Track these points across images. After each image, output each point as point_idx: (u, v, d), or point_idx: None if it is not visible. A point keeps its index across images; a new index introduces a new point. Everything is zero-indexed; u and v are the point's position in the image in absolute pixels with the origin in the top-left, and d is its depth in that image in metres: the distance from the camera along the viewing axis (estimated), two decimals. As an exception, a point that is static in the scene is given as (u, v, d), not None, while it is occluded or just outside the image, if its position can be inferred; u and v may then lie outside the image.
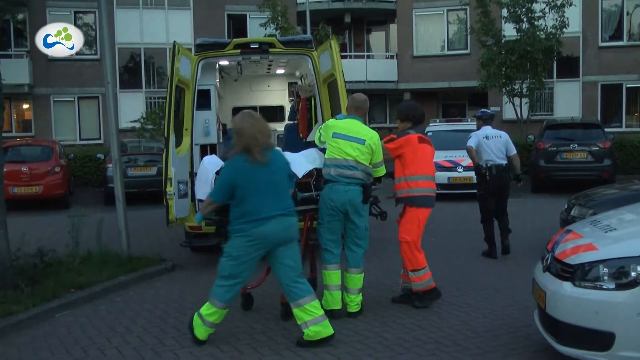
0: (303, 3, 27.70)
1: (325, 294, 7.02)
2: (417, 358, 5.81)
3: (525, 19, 23.31)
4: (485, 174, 10.11)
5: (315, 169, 7.42)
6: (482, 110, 11.28)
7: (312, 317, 6.06)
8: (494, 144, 10.18)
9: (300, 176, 7.12)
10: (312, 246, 7.84)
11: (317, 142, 7.48)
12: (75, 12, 28.51)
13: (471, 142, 10.26)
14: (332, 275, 7.01)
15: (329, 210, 6.92)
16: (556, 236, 5.86)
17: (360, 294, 7.17)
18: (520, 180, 10.75)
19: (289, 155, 7.28)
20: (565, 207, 10.01)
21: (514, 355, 5.82)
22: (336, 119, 7.40)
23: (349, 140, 6.97)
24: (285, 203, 6.12)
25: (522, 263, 9.26)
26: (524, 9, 23.24)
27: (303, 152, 7.96)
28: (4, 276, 8.05)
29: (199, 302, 7.55)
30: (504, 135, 10.43)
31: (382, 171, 7.26)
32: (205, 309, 6.20)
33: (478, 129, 10.62)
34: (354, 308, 7.10)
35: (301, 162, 7.37)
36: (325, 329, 6.09)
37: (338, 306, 7.00)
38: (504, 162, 10.17)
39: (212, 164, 7.49)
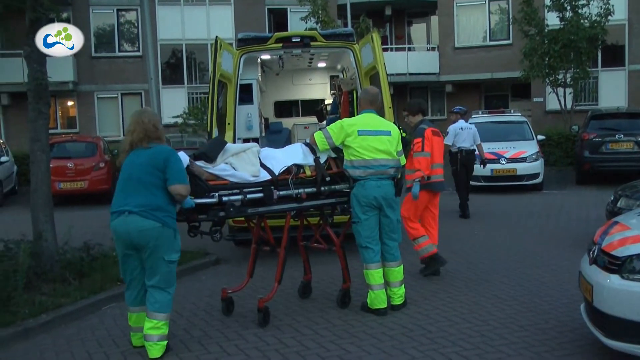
0: (343, -4, 27.66)
1: (370, 294, 6.93)
2: (462, 351, 5.77)
3: (568, 7, 22.92)
4: (458, 155, 13.70)
5: (295, 165, 6.87)
6: (459, 107, 14.88)
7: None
8: (466, 134, 13.72)
9: (276, 173, 6.64)
10: (304, 247, 7.68)
11: (321, 147, 6.97)
12: (118, 10, 28.91)
13: (448, 140, 13.28)
14: (375, 275, 6.90)
15: (364, 207, 6.84)
16: (603, 228, 5.77)
17: (403, 286, 7.12)
18: (486, 163, 14.50)
19: (267, 151, 6.95)
20: (612, 198, 9.84)
21: (561, 350, 5.74)
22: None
23: (377, 135, 6.91)
24: (136, 200, 5.63)
25: (568, 256, 9.14)
26: (567, -3, 22.88)
27: (286, 147, 7.51)
28: (52, 269, 8.22)
29: (243, 295, 7.62)
30: (473, 128, 13.97)
31: (402, 160, 7.24)
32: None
33: (455, 122, 13.94)
34: (397, 301, 7.05)
35: (278, 158, 6.86)
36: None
37: (384, 305, 6.91)
38: (472, 147, 13.85)
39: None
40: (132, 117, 5.89)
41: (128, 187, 5.67)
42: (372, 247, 6.91)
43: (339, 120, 7.30)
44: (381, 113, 7.94)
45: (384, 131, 6.97)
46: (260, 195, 6.44)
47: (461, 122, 13.92)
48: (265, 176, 6.55)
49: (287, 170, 6.76)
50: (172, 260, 5.77)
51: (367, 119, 7.03)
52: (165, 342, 5.90)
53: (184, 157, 6.10)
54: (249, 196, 6.35)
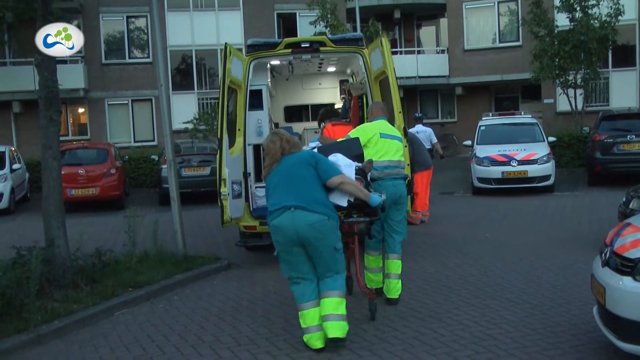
0: (352, 0, 27.64)
1: (368, 275, 7.57)
2: (474, 355, 5.75)
3: (578, 8, 22.76)
4: None
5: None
6: (417, 113, 18.20)
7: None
8: (422, 136, 15.57)
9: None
10: None
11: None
12: (128, 17, 28.94)
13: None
14: (377, 260, 7.54)
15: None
16: (615, 230, 5.74)
17: (400, 281, 7.48)
18: (443, 157, 17.07)
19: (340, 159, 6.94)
20: (624, 200, 9.79)
21: (573, 353, 5.72)
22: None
23: (393, 139, 7.51)
24: (300, 196, 5.90)
25: (580, 258, 9.10)
26: (577, -3, 22.78)
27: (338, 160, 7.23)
28: (65, 275, 8.27)
29: (254, 299, 7.64)
30: (429, 130, 16.51)
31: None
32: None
33: (412, 127, 16.12)
34: (394, 294, 7.41)
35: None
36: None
37: (380, 285, 7.53)
38: (429, 147, 15.72)
39: (345, 165, 6.68)
40: (271, 136, 6.32)
41: (289, 185, 5.96)
42: (377, 236, 7.42)
43: (360, 126, 7.93)
44: (391, 118, 8.15)
45: (397, 137, 7.58)
46: None
47: (419, 127, 16.45)
48: None
49: None
50: (340, 247, 6.03)
51: (383, 125, 7.60)
52: (346, 323, 6.06)
53: (350, 162, 6.63)
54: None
